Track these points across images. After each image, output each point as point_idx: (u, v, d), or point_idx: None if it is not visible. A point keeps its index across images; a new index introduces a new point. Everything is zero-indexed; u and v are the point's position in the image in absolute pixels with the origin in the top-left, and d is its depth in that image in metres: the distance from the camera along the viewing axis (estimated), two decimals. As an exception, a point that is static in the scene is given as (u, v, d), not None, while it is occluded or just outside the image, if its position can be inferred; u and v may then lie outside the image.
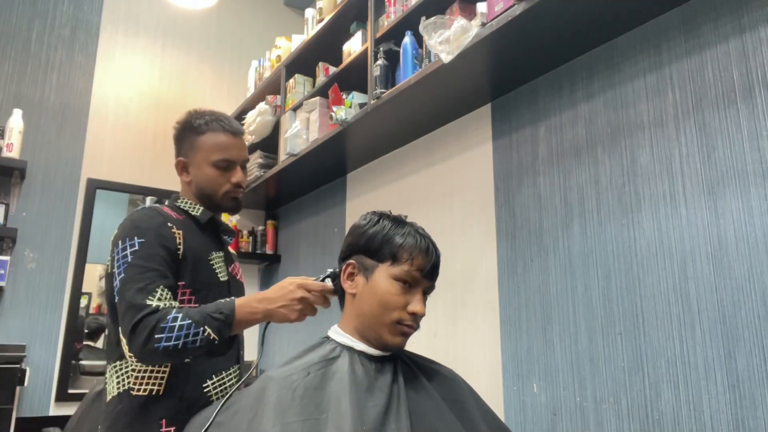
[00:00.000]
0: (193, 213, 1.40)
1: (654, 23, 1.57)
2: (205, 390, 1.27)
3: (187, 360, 1.20)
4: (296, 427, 0.89)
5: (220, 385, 1.31)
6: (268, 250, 3.52)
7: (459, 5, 1.87)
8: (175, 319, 1.13)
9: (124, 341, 1.17)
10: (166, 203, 1.43)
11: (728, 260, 1.33)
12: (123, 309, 1.17)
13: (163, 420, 1.22)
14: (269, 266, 3.55)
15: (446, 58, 1.72)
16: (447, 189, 2.26)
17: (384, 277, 1.03)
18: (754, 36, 1.35)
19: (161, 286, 1.20)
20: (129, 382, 1.23)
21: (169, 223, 1.29)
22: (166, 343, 1.11)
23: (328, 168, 2.88)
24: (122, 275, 1.20)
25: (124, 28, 3.42)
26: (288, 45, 3.14)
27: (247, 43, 3.80)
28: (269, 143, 3.04)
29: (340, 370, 1.00)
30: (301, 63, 2.88)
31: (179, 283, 1.27)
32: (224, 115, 1.45)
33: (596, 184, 1.67)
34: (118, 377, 1.25)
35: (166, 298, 1.19)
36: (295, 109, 2.83)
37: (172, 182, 3.52)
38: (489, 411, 1.11)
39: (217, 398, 1.27)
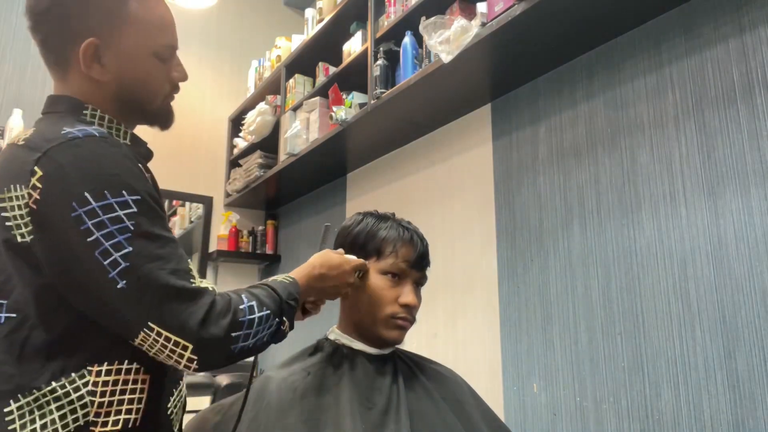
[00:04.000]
0: (124, 140, 0.91)
1: (654, 23, 1.57)
2: (168, 411, 0.87)
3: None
4: (297, 428, 0.89)
5: (178, 400, 0.91)
6: (268, 250, 3.52)
7: (459, 5, 1.87)
8: (251, 310, 0.80)
9: (181, 342, 0.74)
10: (73, 118, 0.84)
11: (728, 260, 1.33)
12: (160, 295, 0.75)
13: None
14: (269, 266, 3.55)
15: (446, 58, 1.72)
16: (447, 189, 2.26)
17: (372, 273, 1.05)
18: (754, 36, 1.35)
19: (189, 262, 0.81)
20: (85, 416, 0.76)
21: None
22: (243, 343, 0.78)
23: (328, 168, 2.88)
24: (129, 249, 0.74)
25: (124, 28, 3.41)
26: (288, 45, 3.14)
27: (247, 43, 3.79)
28: (269, 143, 3.03)
29: (339, 371, 1.00)
30: (301, 63, 2.88)
31: None
32: None
33: (596, 184, 1.67)
34: (59, 412, 0.75)
35: (202, 281, 0.82)
36: (295, 109, 2.83)
37: (173, 181, 3.52)
38: (489, 411, 1.11)
39: (171, 420, 0.88)
